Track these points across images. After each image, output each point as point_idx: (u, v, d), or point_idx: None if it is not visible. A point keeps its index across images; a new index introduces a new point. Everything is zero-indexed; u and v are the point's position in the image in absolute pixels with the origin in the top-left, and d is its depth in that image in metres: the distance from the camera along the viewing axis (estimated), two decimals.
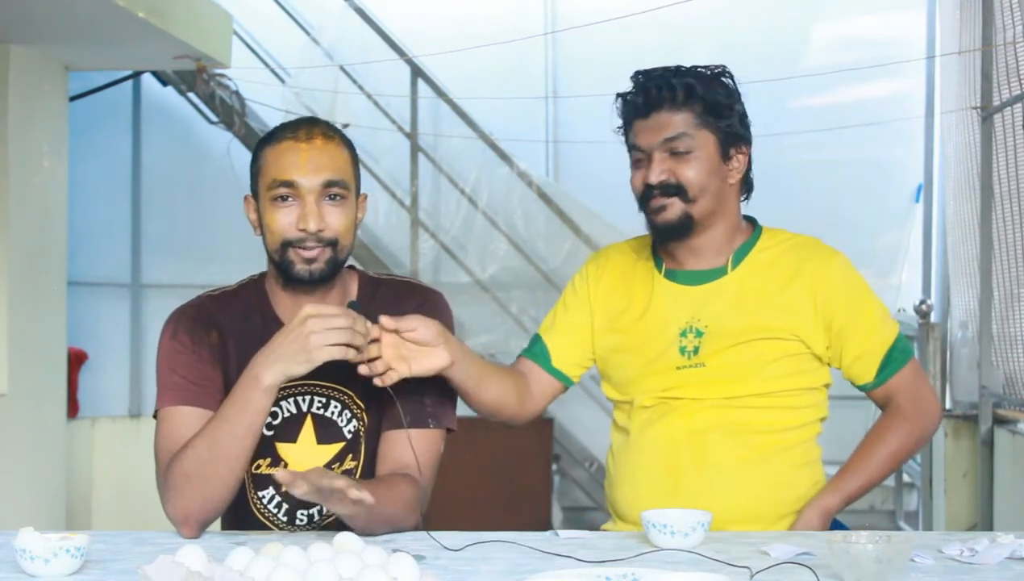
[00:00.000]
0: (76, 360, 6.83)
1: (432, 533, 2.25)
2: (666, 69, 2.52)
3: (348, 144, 2.35)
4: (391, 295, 2.41)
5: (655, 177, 2.48)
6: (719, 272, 2.54)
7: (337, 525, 2.36)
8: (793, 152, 7.05)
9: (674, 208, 2.48)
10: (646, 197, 2.50)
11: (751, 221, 2.63)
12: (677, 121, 2.48)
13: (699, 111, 2.48)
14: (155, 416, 2.34)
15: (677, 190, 2.47)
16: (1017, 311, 5.48)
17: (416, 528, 2.32)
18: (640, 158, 2.51)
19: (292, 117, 6.82)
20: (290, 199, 2.26)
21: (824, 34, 7.68)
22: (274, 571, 1.77)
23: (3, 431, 5.46)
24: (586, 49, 7.34)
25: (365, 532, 2.19)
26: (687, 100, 2.48)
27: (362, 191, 2.38)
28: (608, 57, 6.94)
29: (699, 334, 2.49)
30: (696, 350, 2.49)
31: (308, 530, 2.40)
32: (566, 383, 2.68)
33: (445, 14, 7.49)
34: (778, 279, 2.52)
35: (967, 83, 6.11)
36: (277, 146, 2.29)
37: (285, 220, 2.26)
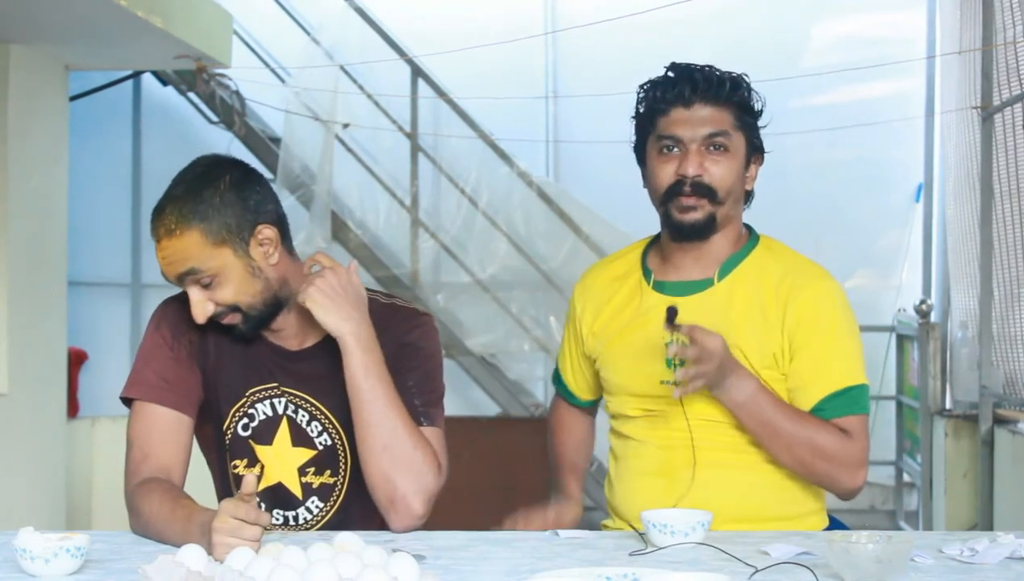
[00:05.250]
0: (76, 360, 6.82)
1: (431, 533, 2.26)
2: (701, 64, 2.48)
3: (197, 212, 2.26)
4: (378, 318, 2.38)
5: (692, 169, 2.41)
6: (706, 283, 2.49)
7: (328, 524, 2.40)
8: (793, 152, 7.04)
9: (703, 209, 2.42)
10: (674, 191, 2.43)
11: (748, 229, 2.58)
12: (720, 117, 2.43)
13: (736, 112, 2.45)
14: (122, 398, 2.38)
15: (708, 191, 2.42)
16: (1017, 311, 5.48)
17: (417, 525, 2.32)
18: (672, 148, 2.44)
19: (292, 117, 6.87)
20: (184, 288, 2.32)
21: (824, 34, 7.69)
22: (274, 571, 1.77)
23: (3, 431, 5.46)
24: (586, 49, 7.34)
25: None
26: (730, 97, 2.44)
27: (259, 225, 2.31)
28: (608, 57, 6.96)
29: (685, 345, 2.41)
30: (683, 362, 2.41)
31: (284, 528, 2.42)
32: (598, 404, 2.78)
33: (445, 14, 7.50)
34: (761, 296, 2.46)
35: (967, 83, 6.11)
36: (153, 241, 2.33)
37: (191, 301, 2.31)
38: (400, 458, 2.26)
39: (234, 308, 2.30)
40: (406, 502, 2.27)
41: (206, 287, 2.29)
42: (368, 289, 2.47)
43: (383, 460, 2.26)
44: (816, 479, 2.43)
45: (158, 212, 2.31)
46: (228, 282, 2.30)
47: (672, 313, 2.32)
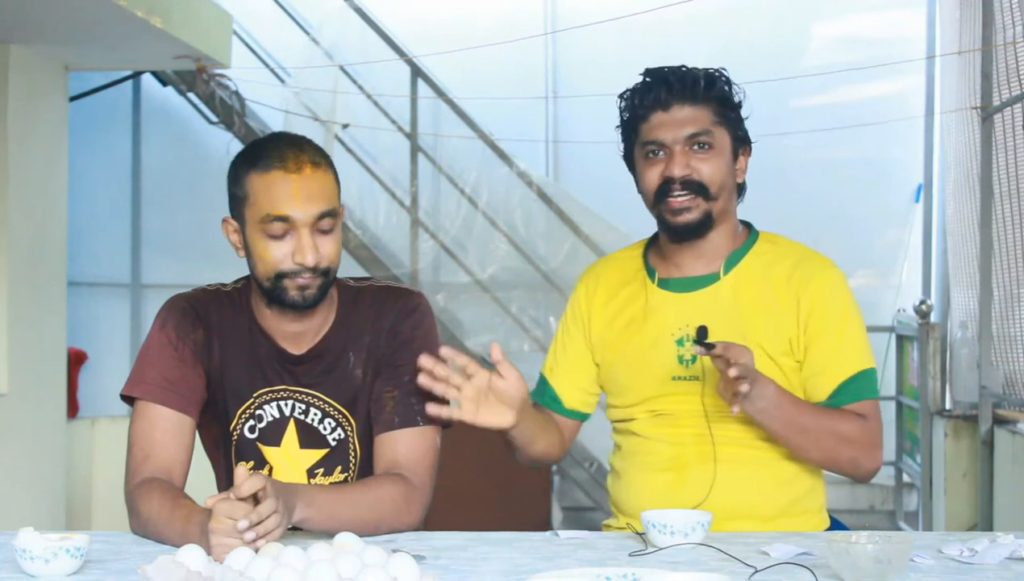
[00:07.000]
0: (76, 360, 6.83)
1: (431, 533, 2.26)
2: (674, 66, 2.50)
3: (330, 162, 2.31)
4: (372, 304, 2.40)
5: (679, 171, 2.42)
6: (712, 278, 2.50)
7: None
8: (793, 152, 7.05)
9: (697, 209, 2.44)
10: (663, 192, 2.44)
11: (746, 225, 2.59)
12: (700, 116, 2.45)
13: (716, 108, 2.47)
14: (123, 396, 2.36)
15: (699, 188, 2.43)
16: (1017, 311, 5.48)
17: (415, 528, 2.32)
18: (657, 152, 2.46)
19: (292, 117, 6.87)
20: (284, 233, 2.24)
21: (824, 34, 7.69)
22: (274, 571, 1.77)
23: (3, 431, 5.46)
24: (586, 49, 7.34)
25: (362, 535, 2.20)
26: (707, 95, 2.46)
27: (342, 202, 2.35)
28: (608, 57, 6.95)
29: (695, 341, 2.39)
30: (694, 358, 2.45)
31: (295, 531, 2.41)
32: (583, 419, 2.68)
33: (445, 14, 7.50)
34: (771, 287, 2.48)
35: (967, 83, 6.11)
36: (266, 176, 2.23)
37: (279, 253, 2.24)
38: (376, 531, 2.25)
39: (326, 271, 2.27)
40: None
41: (323, 233, 2.24)
42: (359, 278, 2.48)
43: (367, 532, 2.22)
44: (839, 467, 2.46)
45: (289, 145, 2.25)
46: (337, 239, 2.29)
47: (703, 333, 2.29)
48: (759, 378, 2.34)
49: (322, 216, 2.24)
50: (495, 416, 2.31)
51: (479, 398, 2.30)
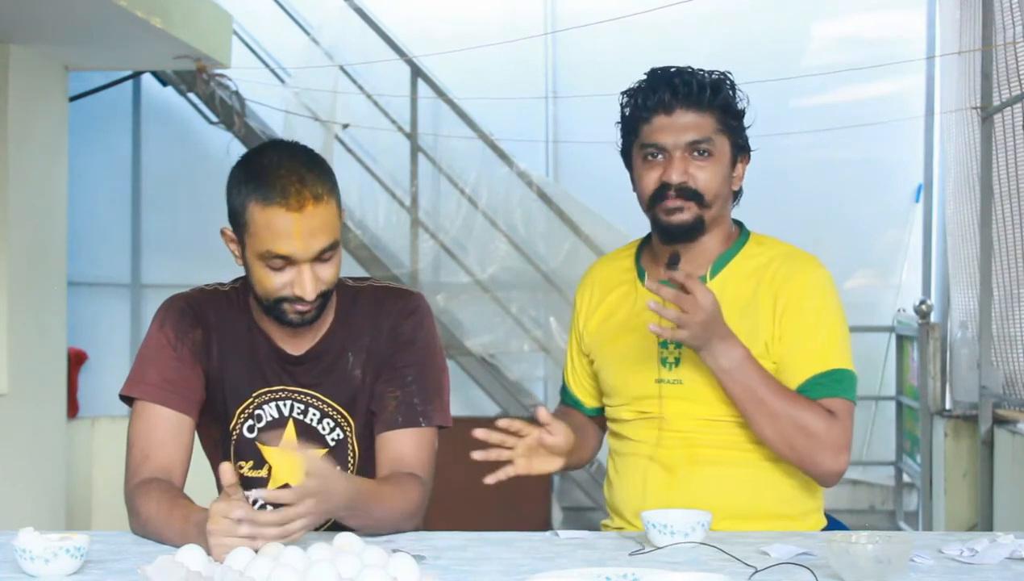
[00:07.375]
0: (76, 360, 6.83)
1: (431, 533, 2.26)
2: (681, 69, 2.47)
3: (332, 185, 2.24)
4: (371, 304, 2.40)
5: (677, 177, 2.41)
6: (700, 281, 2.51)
7: (333, 526, 2.37)
8: (793, 152, 7.06)
9: (689, 211, 2.42)
10: (659, 196, 2.43)
11: (738, 225, 2.58)
12: (702, 123, 2.42)
13: (719, 115, 2.44)
14: (122, 396, 2.36)
15: (694, 195, 2.42)
16: (1017, 311, 5.48)
17: (416, 528, 2.32)
18: (657, 155, 2.44)
19: (292, 117, 6.86)
20: (284, 266, 2.22)
21: (824, 34, 7.69)
22: (274, 571, 1.77)
23: (3, 431, 5.46)
24: (586, 49, 7.35)
25: (370, 534, 2.20)
26: (711, 102, 2.43)
27: (343, 206, 2.32)
28: (608, 57, 6.96)
29: (679, 345, 2.42)
30: (677, 361, 2.45)
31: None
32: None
33: (445, 14, 7.50)
34: (755, 289, 2.46)
35: (967, 83, 6.11)
36: (266, 210, 2.18)
37: (279, 282, 2.22)
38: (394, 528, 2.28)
39: (325, 293, 2.26)
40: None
41: (323, 262, 2.22)
42: (357, 278, 2.48)
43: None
44: (798, 457, 2.40)
45: (291, 175, 2.18)
46: (336, 262, 2.27)
47: (676, 259, 2.32)
48: (728, 336, 2.35)
49: (323, 250, 2.22)
50: (545, 465, 2.42)
51: (530, 453, 2.39)
